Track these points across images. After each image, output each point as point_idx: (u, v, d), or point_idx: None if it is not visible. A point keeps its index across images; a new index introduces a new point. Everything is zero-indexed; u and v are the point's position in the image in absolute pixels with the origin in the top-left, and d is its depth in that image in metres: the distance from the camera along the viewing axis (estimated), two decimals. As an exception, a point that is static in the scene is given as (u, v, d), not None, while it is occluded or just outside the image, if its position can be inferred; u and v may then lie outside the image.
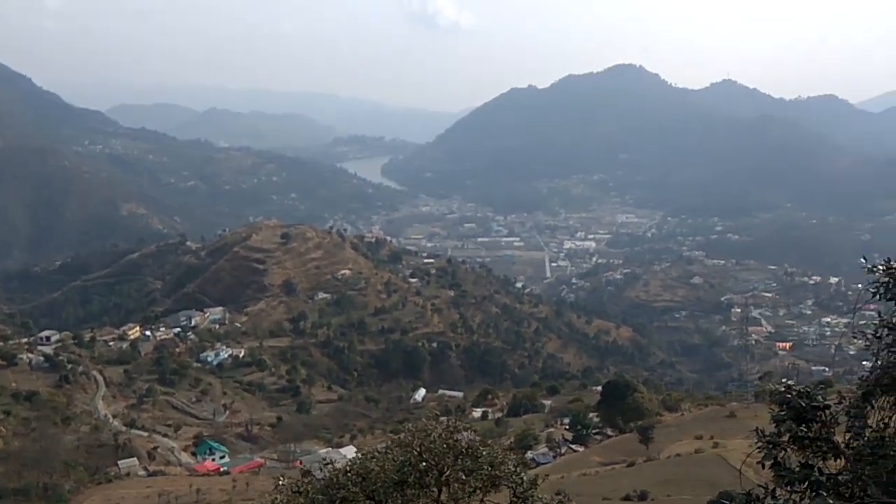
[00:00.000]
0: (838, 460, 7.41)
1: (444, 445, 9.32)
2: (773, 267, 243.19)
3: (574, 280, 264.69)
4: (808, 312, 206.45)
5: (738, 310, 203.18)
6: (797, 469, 7.48)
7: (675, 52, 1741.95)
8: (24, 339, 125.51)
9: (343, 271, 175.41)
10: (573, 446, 76.19)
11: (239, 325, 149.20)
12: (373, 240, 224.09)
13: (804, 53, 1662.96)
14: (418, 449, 9.36)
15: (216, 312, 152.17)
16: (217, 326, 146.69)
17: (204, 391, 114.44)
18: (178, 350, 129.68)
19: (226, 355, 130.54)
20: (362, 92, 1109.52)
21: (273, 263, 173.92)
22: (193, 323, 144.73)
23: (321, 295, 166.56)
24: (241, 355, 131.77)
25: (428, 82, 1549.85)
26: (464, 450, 9.43)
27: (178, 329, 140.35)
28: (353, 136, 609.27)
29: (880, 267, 7.54)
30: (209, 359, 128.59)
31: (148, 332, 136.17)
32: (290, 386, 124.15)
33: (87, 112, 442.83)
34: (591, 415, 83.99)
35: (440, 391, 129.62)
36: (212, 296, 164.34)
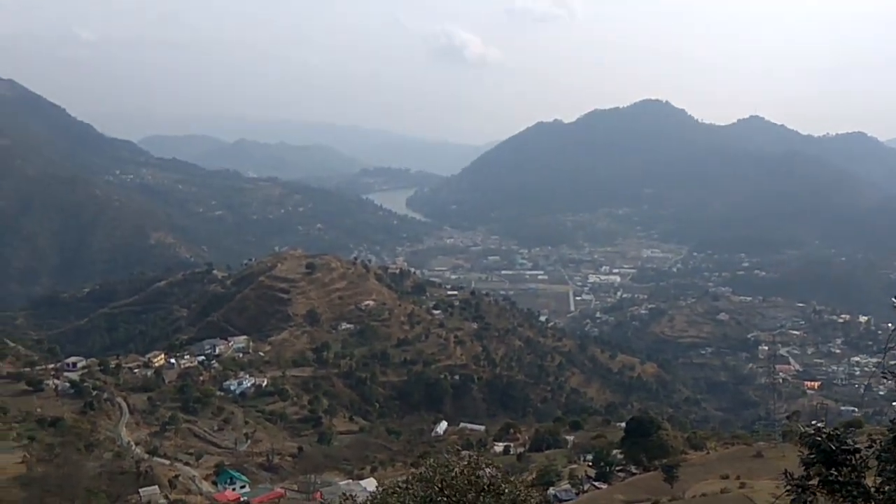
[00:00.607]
0: (869, 506, 7.26)
1: (466, 481, 9.24)
2: (800, 304, 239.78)
3: (598, 314, 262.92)
4: (837, 351, 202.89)
5: (766, 347, 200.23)
6: (827, 514, 7.34)
7: (702, 87, 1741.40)
8: (51, 365, 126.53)
9: (367, 302, 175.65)
10: (596, 483, 75.00)
11: (262, 354, 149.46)
12: (397, 271, 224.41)
13: (831, 90, 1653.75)
14: (439, 485, 9.28)
15: (240, 341, 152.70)
16: (241, 355, 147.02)
17: (226, 420, 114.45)
18: (201, 378, 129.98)
19: (249, 384, 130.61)
20: (389, 124, 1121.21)
21: (297, 293, 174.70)
22: (217, 351, 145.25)
23: (344, 325, 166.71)
24: (263, 384, 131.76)
25: (454, 115, 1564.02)
26: (486, 486, 9.34)
27: (203, 357, 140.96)
28: (379, 167, 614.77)
29: (911, 308, 7.44)
30: (232, 387, 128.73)
31: (173, 360, 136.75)
32: (312, 416, 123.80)
33: (118, 142, 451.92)
34: (614, 451, 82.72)
35: (462, 424, 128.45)
36: (236, 325, 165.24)
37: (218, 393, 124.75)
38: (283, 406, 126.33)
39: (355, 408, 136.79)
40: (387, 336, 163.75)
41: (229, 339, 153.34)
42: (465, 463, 9.53)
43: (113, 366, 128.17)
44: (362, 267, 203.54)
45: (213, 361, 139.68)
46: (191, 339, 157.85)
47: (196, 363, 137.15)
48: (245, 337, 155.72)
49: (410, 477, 10.17)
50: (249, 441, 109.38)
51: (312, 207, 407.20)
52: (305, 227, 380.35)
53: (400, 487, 9.78)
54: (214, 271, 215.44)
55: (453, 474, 9.38)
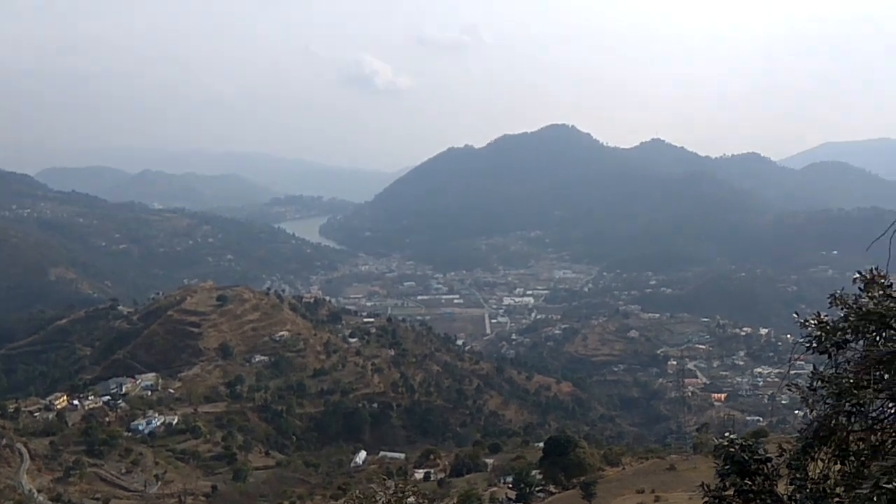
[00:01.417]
0: (782, 513, 7.54)
1: (393, 510, 9.14)
2: (705, 319, 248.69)
3: (514, 336, 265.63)
4: (741, 363, 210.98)
5: (674, 362, 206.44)
6: (742, 523, 7.59)
7: (606, 111, 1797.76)
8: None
9: (281, 333, 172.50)
10: (517, 505, 75.37)
11: (172, 391, 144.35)
12: (311, 300, 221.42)
13: (727, 113, 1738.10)
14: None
15: (148, 379, 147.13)
16: (149, 393, 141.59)
17: (135, 461, 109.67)
18: (107, 419, 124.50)
19: (158, 423, 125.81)
20: (300, 152, 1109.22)
21: (208, 326, 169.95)
22: (124, 390, 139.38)
23: (258, 357, 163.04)
24: (174, 422, 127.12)
25: (366, 142, 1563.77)
26: (412, 514, 9.26)
27: (108, 397, 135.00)
28: (291, 196, 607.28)
29: (812, 321, 7.82)
30: (140, 427, 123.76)
31: (76, 402, 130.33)
32: (226, 453, 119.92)
33: (13, 176, 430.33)
34: (533, 472, 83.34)
35: (381, 453, 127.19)
36: (144, 361, 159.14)
37: (125, 433, 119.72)
38: (196, 444, 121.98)
39: (271, 442, 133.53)
40: (302, 366, 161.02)
41: (136, 376, 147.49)
42: (391, 492, 9.44)
43: (11, 410, 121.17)
44: (275, 297, 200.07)
45: (120, 401, 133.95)
46: (95, 378, 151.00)
47: (101, 403, 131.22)
48: (153, 374, 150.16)
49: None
50: (160, 482, 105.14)
51: (223, 238, 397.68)
52: (216, 259, 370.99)
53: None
54: (119, 307, 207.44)
55: (381, 503, 9.27)
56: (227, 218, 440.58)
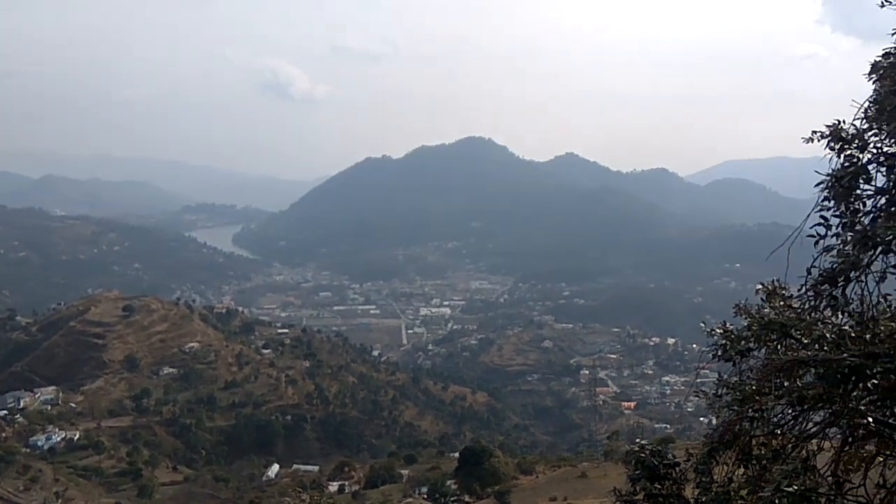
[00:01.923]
0: (689, 516, 7.79)
1: (306, 524, 8.97)
2: (616, 329, 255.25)
3: (430, 347, 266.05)
4: (650, 372, 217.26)
5: (587, 371, 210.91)
6: (652, 527, 7.80)
7: (522, 125, 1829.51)
8: None
9: (191, 344, 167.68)
10: (432, 516, 75.39)
11: (74, 405, 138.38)
12: (223, 310, 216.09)
13: (636, 130, 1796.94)
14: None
15: (48, 392, 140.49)
16: (49, 407, 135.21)
17: (33, 479, 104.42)
18: (3, 435, 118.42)
19: (58, 439, 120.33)
20: (213, 159, 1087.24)
21: (114, 338, 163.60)
22: (22, 405, 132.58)
23: (167, 370, 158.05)
24: (76, 438, 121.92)
25: (281, 151, 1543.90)
26: (326, 528, 9.10)
27: (5, 412, 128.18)
28: (203, 203, 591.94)
29: (718, 330, 8.13)
30: (40, 443, 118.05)
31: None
32: (131, 469, 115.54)
33: None
34: (448, 482, 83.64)
35: (295, 466, 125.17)
36: (44, 374, 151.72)
37: (23, 450, 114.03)
38: (99, 460, 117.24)
39: (180, 456, 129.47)
40: (213, 379, 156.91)
41: (35, 390, 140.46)
42: (307, 502, 9.27)
43: None
44: (186, 308, 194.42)
45: (18, 416, 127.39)
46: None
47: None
48: (54, 387, 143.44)
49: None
50: (60, 500, 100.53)
51: (130, 246, 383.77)
52: (122, 268, 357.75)
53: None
54: (18, 317, 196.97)
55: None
56: (134, 226, 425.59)
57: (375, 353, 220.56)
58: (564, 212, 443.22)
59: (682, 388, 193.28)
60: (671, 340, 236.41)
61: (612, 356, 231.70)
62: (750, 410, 7.56)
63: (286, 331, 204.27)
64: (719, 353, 8.09)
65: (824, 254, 6.56)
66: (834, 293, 6.65)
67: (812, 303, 6.94)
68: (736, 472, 7.76)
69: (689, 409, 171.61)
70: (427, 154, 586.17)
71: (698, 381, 10.03)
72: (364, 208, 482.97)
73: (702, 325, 8.36)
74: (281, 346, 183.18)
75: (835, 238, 6.54)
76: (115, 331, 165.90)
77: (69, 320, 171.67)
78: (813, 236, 6.60)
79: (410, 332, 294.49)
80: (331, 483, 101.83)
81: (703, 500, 7.67)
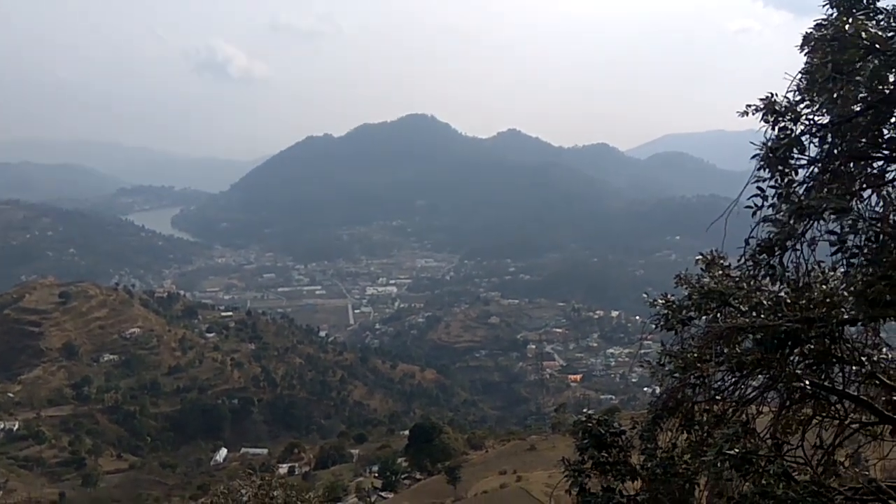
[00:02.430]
0: (636, 482, 7.99)
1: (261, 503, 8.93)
2: (561, 304, 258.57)
3: (378, 326, 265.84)
4: (595, 345, 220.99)
5: (533, 346, 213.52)
6: (600, 493, 7.98)
7: (464, 101, 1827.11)
8: None
9: (132, 330, 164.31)
10: (383, 494, 75.81)
11: (11, 395, 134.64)
12: (164, 295, 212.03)
13: (576, 105, 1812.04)
14: (231, 512, 8.90)
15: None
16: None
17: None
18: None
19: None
20: (149, 141, 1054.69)
21: (51, 325, 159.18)
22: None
23: (107, 356, 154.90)
24: (15, 428, 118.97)
25: (220, 131, 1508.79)
26: (279, 508, 9.09)
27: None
28: (139, 186, 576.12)
29: (660, 301, 8.31)
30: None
31: None
32: (74, 458, 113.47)
33: None
34: (399, 460, 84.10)
35: (243, 449, 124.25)
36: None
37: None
38: (40, 450, 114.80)
39: (124, 444, 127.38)
40: (156, 364, 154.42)
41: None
42: (257, 486, 9.21)
43: None
44: (125, 293, 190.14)
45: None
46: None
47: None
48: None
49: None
50: (2, 492, 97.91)
51: (64, 231, 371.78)
52: (56, 253, 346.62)
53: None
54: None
55: (245, 499, 9.04)
56: (69, 210, 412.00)
57: (322, 333, 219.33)
58: (508, 188, 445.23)
59: (627, 359, 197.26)
60: (615, 313, 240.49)
61: (558, 330, 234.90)
62: (692, 377, 7.78)
63: (230, 314, 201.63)
64: (662, 322, 8.28)
65: (761, 224, 6.74)
66: (772, 262, 6.84)
67: (751, 272, 7.13)
68: (680, 438, 7.99)
69: (634, 380, 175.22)
70: (370, 132, 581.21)
71: (642, 351, 10.25)
72: (307, 188, 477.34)
73: (644, 296, 8.55)
74: (225, 329, 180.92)
75: (771, 209, 6.72)
76: (51, 318, 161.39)
77: (3, 308, 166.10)
78: (750, 207, 6.77)
79: (357, 311, 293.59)
80: (281, 465, 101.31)
81: (649, 465, 7.88)
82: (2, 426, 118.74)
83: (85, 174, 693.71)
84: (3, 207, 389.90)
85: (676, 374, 7.90)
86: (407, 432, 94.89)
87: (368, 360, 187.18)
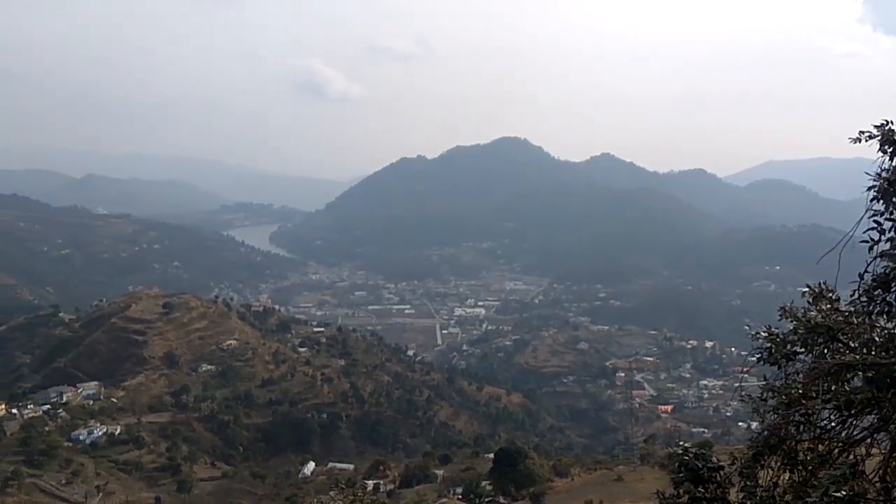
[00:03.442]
0: (733, 520, 7.75)
1: (350, 521, 9.09)
2: (653, 332, 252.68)
3: (465, 347, 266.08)
4: (687, 375, 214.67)
5: (622, 374, 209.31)
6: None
7: (557, 126, 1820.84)
8: None
9: (229, 342, 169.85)
10: (467, 516, 75.38)
11: (115, 400, 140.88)
12: (260, 309, 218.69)
13: (674, 130, 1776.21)
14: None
15: (90, 387, 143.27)
16: (91, 402, 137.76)
17: (75, 472, 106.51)
18: (47, 429, 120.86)
19: (100, 433, 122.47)
20: (250, 160, 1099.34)
21: (154, 334, 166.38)
22: (65, 399, 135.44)
23: (205, 367, 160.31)
24: (116, 433, 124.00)
25: (317, 151, 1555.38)
26: (369, 525, 9.22)
27: (48, 406, 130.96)
28: (240, 203, 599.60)
29: (762, 333, 8.07)
30: (82, 437, 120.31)
31: (14, 411, 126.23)
32: (171, 464, 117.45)
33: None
34: (483, 483, 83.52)
35: (330, 464, 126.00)
36: (86, 370, 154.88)
37: (66, 444, 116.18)
38: (139, 455, 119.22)
39: (218, 452, 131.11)
40: (251, 376, 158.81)
41: (78, 385, 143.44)
42: (351, 500, 9.39)
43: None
44: (224, 305, 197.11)
45: (60, 410, 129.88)
46: (35, 387, 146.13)
47: (41, 413, 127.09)
48: (96, 383, 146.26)
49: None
50: (101, 494, 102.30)
51: (169, 245, 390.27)
52: (162, 266, 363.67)
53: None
54: (61, 314, 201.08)
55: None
56: (173, 224, 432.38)
57: (410, 352, 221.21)
58: (600, 212, 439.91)
59: (721, 392, 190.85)
60: (709, 343, 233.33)
61: (649, 359, 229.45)
62: (796, 414, 7.51)
63: (322, 329, 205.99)
64: (764, 356, 8.04)
65: (878, 259, 6.50)
66: (888, 298, 6.57)
67: (865, 308, 6.86)
68: (781, 477, 7.71)
69: (728, 414, 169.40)
70: (462, 154, 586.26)
71: (740, 385, 9.96)
72: (399, 208, 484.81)
73: (746, 327, 8.33)
74: (317, 344, 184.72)
75: (888, 243, 6.47)
76: (155, 327, 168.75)
77: (111, 317, 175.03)
78: (866, 241, 6.53)
79: (445, 332, 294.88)
80: (366, 482, 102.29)
81: (748, 503, 7.63)
82: (105, 430, 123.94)
83: (188, 190, 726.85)
84: (115, 221, 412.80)
85: (779, 410, 7.65)
86: (492, 455, 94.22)
87: (455, 380, 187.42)
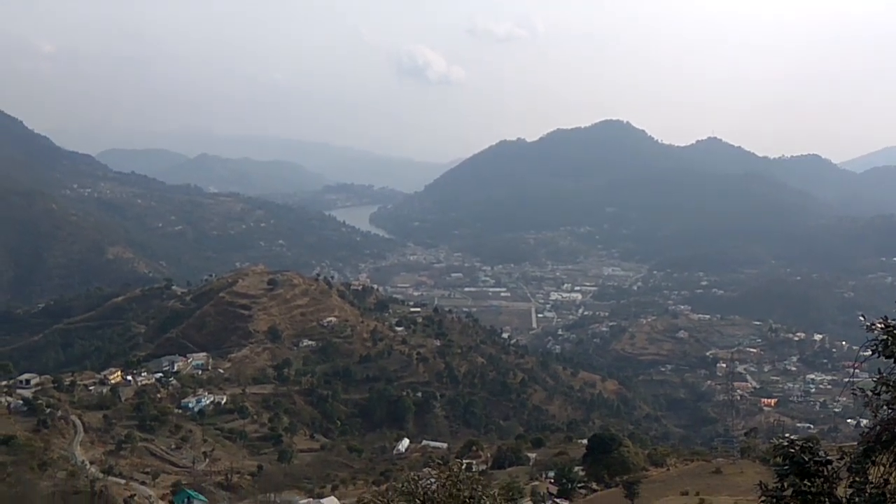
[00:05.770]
0: (841, 515, 7.52)
1: (448, 494, 9.30)
2: (757, 322, 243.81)
3: (560, 331, 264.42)
4: (793, 369, 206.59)
5: (724, 365, 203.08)
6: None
7: (661, 108, 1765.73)
8: (4, 382, 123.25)
9: (329, 319, 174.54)
10: (558, 500, 75.16)
11: (222, 371, 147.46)
12: (360, 288, 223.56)
13: (786, 113, 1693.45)
14: (421, 498, 9.34)
15: (199, 358, 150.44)
16: (200, 372, 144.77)
17: (184, 438, 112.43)
18: (159, 396, 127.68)
19: (207, 402, 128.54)
20: (352, 141, 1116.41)
21: (259, 310, 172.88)
22: (176, 368, 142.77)
23: (306, 342, 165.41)
24: (223, 402, 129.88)
25: (418, 133, 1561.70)
26: (466, 499, 9.42)
27: (160, 374, 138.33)
28: (342, 183, 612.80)
29: (879, 325, 7.76)
30: (190, 405, 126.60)
31: (129, 377, 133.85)
32: (272, 434, 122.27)
33: (77, 156, 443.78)
34: (576, 468, 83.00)
35: (424, 442, 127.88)
36: (196, 341, 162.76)
37: (176, 410, 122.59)
38: (243, 424, 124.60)
39: (316, 425, 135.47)
40: (349, 353, 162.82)
41: (188, 355, 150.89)
42: (446, 476, 9.61)
43: (67, 383, 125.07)
44: (325, 283, 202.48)
45: (171, 378, 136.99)
46: (148, 355, 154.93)
47: (153, 380, 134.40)
48: (204, 353, 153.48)
49: (391, 490, 10.22)
50: (208, 460, 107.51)
51: (275, 223, 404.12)
52: (267, 244, 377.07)
53: (381, 500, 9.82)
54: (173, 287, 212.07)
55: (434, 487, 9.44)
56: (279, 204, 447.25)
57: (505, 335, 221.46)
58: (704, 198, 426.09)
59: (829, 387, 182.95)
60: (818, 336, 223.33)
61: (752, 350, 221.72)
62: (912, 410, 7.22)
63: (418, 310, 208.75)
64: (879, 348, 7.74)
65: None
66: None
67: None
68: (893, 475, 7.43)
69: (837, 410, 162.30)
70: (562, 137, 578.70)
71: (852, 380, 9.61)
72: (497, 191, 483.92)
73: (860, 318, 8.02)
74: (413, 324, 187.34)
75: None
76: (260, 303, 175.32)
77: (219, 291, 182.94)
78: None
79: (540, 316, 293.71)
80: (459, 461, 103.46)
81: (857, 500, 7.40)
82: (212, 399, 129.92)
83: (294, 171, 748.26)
84: (225, 199, 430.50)
85: (893, 405, 7.36)
86: (585, 441, 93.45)
87: (549, 365, 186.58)
